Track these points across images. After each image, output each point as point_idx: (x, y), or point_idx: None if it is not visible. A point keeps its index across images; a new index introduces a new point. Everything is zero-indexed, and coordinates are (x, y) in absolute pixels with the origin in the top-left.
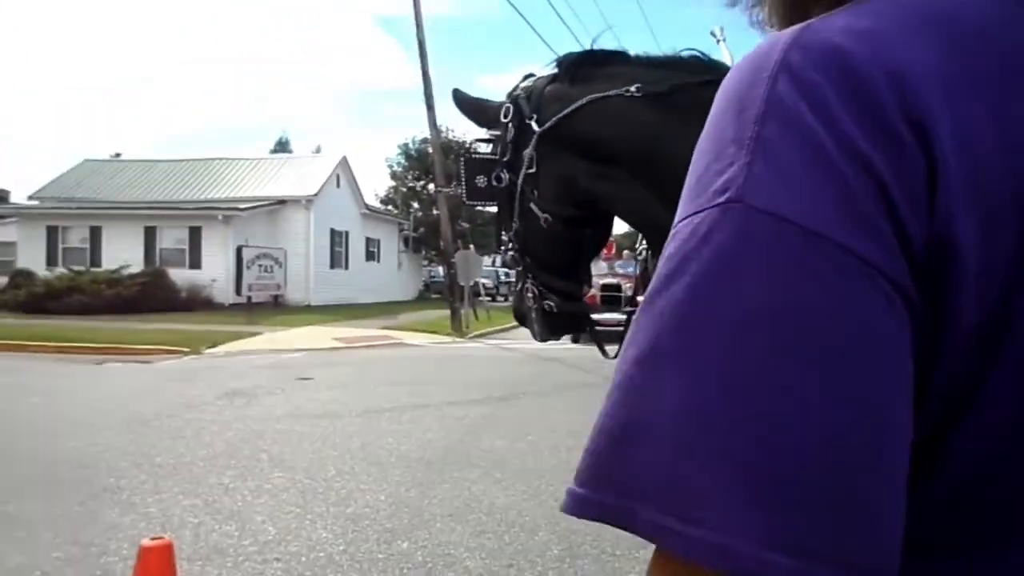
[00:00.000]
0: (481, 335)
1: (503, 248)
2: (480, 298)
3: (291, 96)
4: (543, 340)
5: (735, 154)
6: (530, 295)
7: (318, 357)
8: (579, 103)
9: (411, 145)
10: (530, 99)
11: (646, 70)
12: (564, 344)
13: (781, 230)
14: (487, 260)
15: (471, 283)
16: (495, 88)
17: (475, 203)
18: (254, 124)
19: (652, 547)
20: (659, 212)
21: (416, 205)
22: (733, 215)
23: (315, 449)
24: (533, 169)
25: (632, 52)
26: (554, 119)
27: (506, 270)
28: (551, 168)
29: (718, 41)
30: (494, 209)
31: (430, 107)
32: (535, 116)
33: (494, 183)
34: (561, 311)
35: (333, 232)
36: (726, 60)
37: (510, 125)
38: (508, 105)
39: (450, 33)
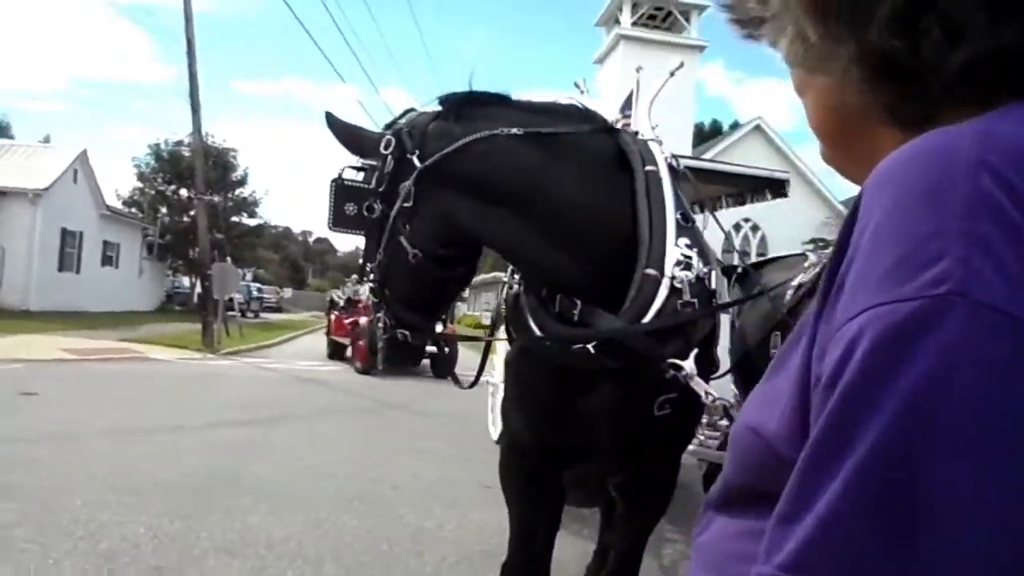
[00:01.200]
0: (234, 352)
1: (365, 278)
2: (232, 313)
3: (12, 77)
4: (384, 366)
5: (943, 247)
6: (381, 325)
7: (43, 370)
8: (464, 140)
9: (164, 146)
10: (412, 134)
11: (527, 115)
12: (326, 365)
13: (1016, 328)
14: (244, 274)
15: (226, 297)
16: (255, 95)
17: (340, 230)
18: None
19: None
20: (538, 248)
21: (165, 210)
22: (958, 309)
23: (53, 476)
24: (410, 203)
25: (513, 96)
26: (438, 155)
27: (259, 285)
28: (430, 205)
29: (581, 92)
30: (252, 221)
31: (195, 109)
32: (418, 151)
33: (365, 212)
34: (409, 342)
35: (65, 232)
36: (595, 108)
37: (389, 157)
38: (389, 137)
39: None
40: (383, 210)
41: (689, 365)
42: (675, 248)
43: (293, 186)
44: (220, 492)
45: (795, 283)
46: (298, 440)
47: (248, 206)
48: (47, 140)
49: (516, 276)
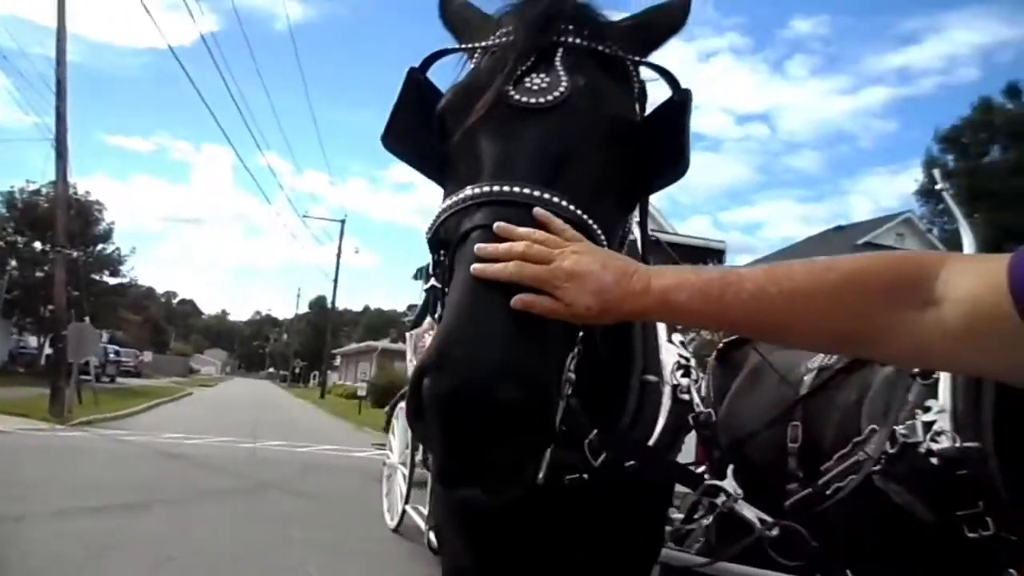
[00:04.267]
0: (88, 423)
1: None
2: (86, 378)
3: None
4: None
5: None
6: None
7: None
8: None
9: (19, 195)
10: None
11: None
12: (192, 438)
13: None
14: (101, 335)
15: (83, 360)
16: (123, 149)
17: None
18: None
19: None
20: None
21: (15, 263)
22: None
23: None
24: None
25: None
26: None
27: (116, 348)
28: None
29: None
30: (113, 280)
31: (61, 155)
32: None
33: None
34: None
35: None
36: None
37: None
38: None
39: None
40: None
41: (731, 486)
42: (671, 346)
43: (160, 245)
44: None
45: (814, 365)
46: (165, 529)
47: (111, 263)
48: None
49: None
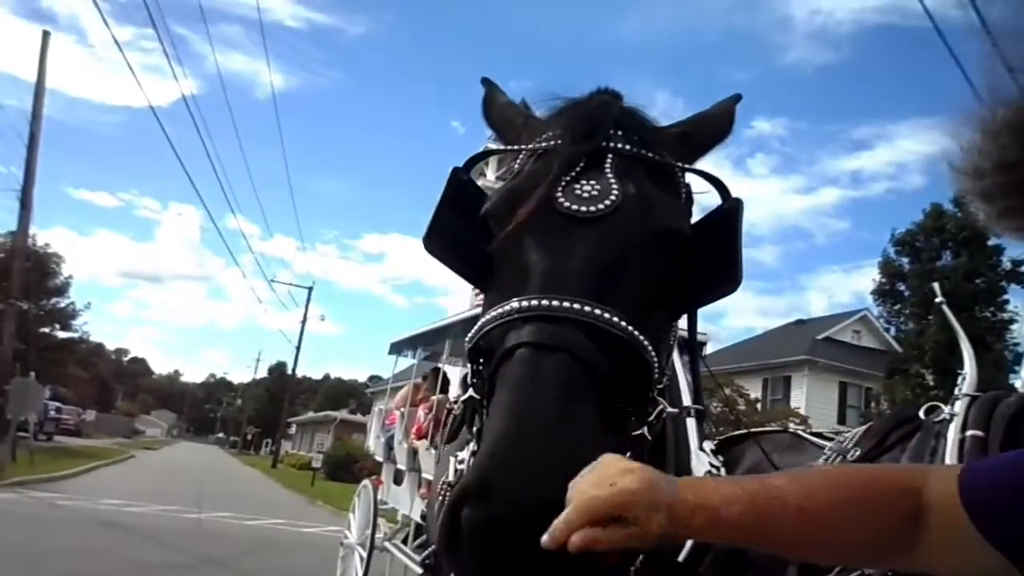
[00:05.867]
0: (20, 483)
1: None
2: (23, 435)
3: None
4: None
5: None
6: None
7: None
8: None
9: None
10: None
11: None
12: (133, 505)
13: None
14: (46, 391)
15: (24, 418)
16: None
17: None
18: None
19: None
20: None
21: None
22: None
23: None
24: None
25: None
26: None
27: (58, 405)
28: None
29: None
30: (63, 334)
31: (25, 206)
32: None
33: None
34: None
35: None
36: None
37: None
38: None
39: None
40: None
41: None
42: (702, 454)
43: (116, 301)
44: None
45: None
46: None
47: (63, 317)
48: None
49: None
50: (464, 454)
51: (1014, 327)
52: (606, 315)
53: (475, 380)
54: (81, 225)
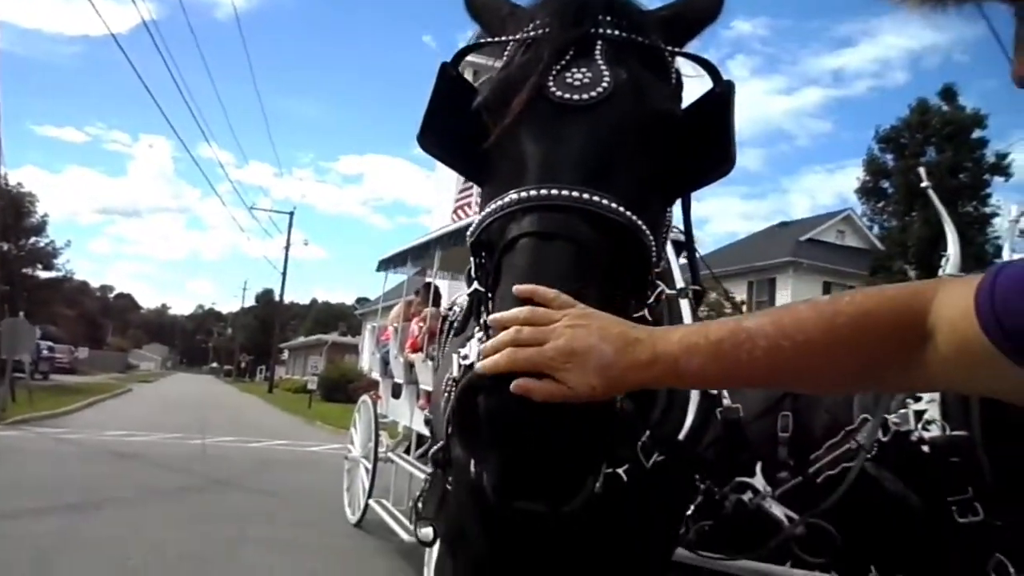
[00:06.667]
0: (23, 421)
1: None
2: (19, 375)
3: None
4: None
5: None
6: None
7: None
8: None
9: None
10: None
11: None
12: (137, 435)
13: None
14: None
15: (16, 358)
16: (57, 139)
17: None
18: None
19: None
20: None
21: None
22: None
23: None
24: None
25: None
26: None
27: (50, 344)
28: None
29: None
30: (47, 274)
31: None
32: None
33: None
34: None
35: None
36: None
37: None
38: None
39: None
40: None
41: (760, 483)
42: None
43: (95, 238)
44: None
45: None
46: (118, 532)
47: (44, 257)
48: None
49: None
50: (466, 350)
51: (995, 221)
52: (604, 201)
53: (479, 274)
54: (51, 163)
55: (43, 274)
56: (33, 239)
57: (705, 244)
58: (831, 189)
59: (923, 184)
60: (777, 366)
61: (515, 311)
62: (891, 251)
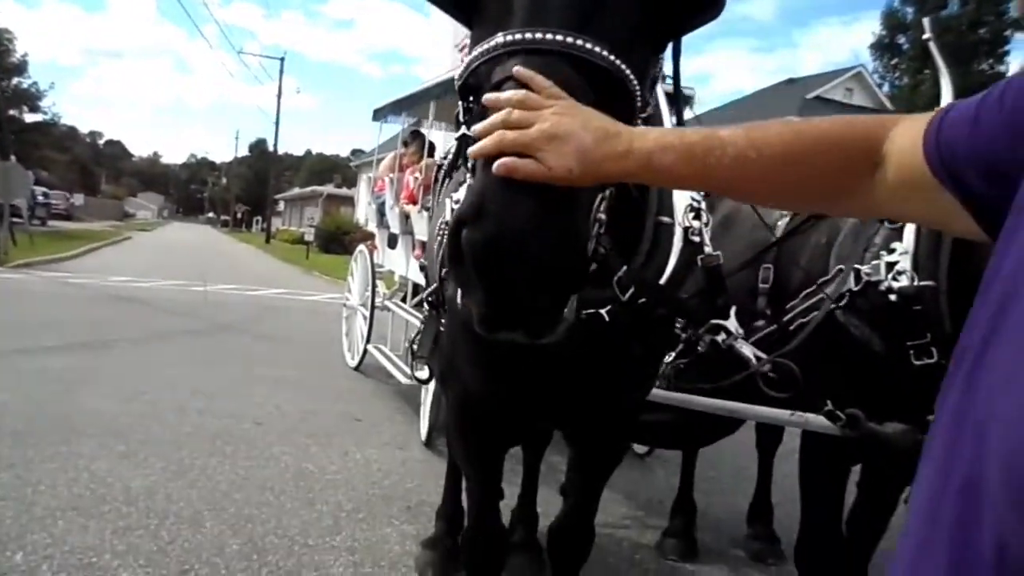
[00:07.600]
0: (26, 265)
1: None
2: (18, 220)
3: None
4: None
5: None
6: None
7: None
8: None
9: None
10: None
11: None
12: (141, 280)
13: None
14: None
15: (12, 202)
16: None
17: None
18: None
19: None
20: None
21: None
22: None
23: None
24: None
25: None
26: None
27: (44, 190)
28: None
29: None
30: (33, 117)
31: None
32: None
33: None
34: None
35: None
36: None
37: None
38: None
39: None
40: None
41: (733, 325)
42: (682, 191)
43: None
44: (51, 434)
45: (788, 212)
46: (131, 369)
47: (29, 98)
48: None
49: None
50: (458, 194)
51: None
52: (588, 45)
53: (467, 118)
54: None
55: (29, 117)
56: (16, 80)
57: (707, 102)
58: (845, 44)
59: (925, 36)
60: (742, 174)
61: (510, 93)
62: (900, 111)
